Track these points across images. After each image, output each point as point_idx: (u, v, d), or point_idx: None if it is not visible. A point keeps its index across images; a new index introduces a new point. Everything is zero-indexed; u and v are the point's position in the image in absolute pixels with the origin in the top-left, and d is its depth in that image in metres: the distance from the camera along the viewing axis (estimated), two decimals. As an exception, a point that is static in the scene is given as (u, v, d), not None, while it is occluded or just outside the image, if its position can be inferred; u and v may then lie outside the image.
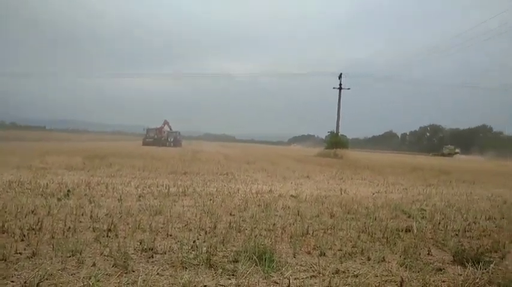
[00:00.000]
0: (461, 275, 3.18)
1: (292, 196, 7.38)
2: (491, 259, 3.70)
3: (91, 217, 4.63)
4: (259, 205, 6.04)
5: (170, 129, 51.23)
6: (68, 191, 6.39)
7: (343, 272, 3.22)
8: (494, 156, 70.86)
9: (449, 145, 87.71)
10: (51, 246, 3.40)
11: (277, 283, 2.90)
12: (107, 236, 3.87)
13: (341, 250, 3.83)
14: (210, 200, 6.38)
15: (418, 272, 3.28)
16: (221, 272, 3.04)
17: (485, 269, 3.33)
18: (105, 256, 3.28)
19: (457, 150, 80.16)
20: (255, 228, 4.51)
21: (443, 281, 3.10)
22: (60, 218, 4.45)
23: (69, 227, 4.04)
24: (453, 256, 3.75)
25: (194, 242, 3.79)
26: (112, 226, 4.13)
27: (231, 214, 5.29)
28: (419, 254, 3.83)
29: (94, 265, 3.03)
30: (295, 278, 3.01)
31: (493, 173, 20.24)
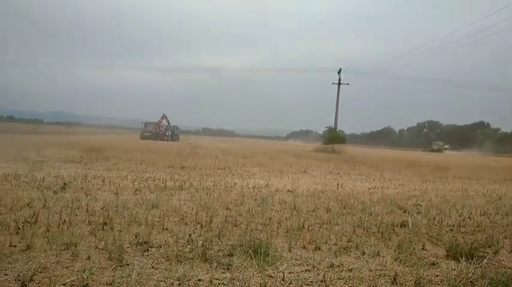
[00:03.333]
0: (454, 269, 3.19)
1: (288, 190, 7.40)
2: (485, 254, 3.72)
3: (87, 210, 4.63)
4: (255, 200, 6.05)
5: (168, 123, 51.15)
6: (65, 184, 6.38)
7: (338, 266, 3.24)
8: (491, 151, 71.42)
9: (439, 141, 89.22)
10: (46, 239, 3.41)
11: (272, 277, 2.91)
12: (103, 229, 3.88)
13: (336, 245, 3.85)
14: (207, 194, 6.39)
15: (412, 266, 3.30)
16: (216, 266, 3.05)
17: (479, 264, 3.35)
18: (100, 249, 3.28)
19: (446, 146, 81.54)
20: (251, 222, 4.52)
21: (437, 276, 3.12)
22: (56, 211, 4.45)
23: (65, 221, 4.05)
24: (447, 251, 3.76)
25: (190, 235, 3.80)
26: (108, 220, 4.13)
27: (227, 208, 5.30)
28: (414, 249, 3.85)
29: (88, 258, 3.03)
30: (289, 272, 3.02)
31: (489, 168, 20.30)
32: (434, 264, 3.43)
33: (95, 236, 3.62)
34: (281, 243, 3.81)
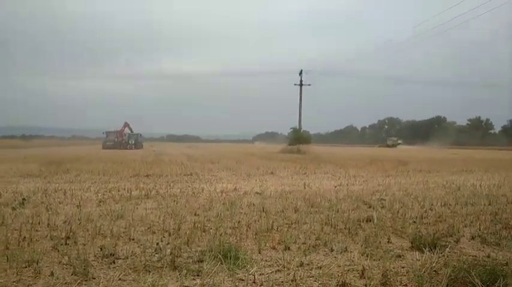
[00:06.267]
0: (419, 260, 3.30)
1: (257, 192, 7.41)
2: (447, 243, 3.88)
3: (48, 225, 4.46)
4: (224, 204, 6.02)
5: (131, 131, 50.06)
6: (23, 199, 6.12)
7: (307, 264, 3.27)
8: (450, 144, 74.80)
9: (395, 137, 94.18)
10: (6, 257, 3.24)
11: (243, 280, 2.90)
12: (66, 244, 3.74)
13: (305, 243, 3.89)
14: (174, 201, 6.30)
15: (379, 260, 3.39)
16: (186, 273, 3.01)
17: (442, 253, 3.49)
18: (63, 264, 3.16)
19: (400, 141, 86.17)
20: (220, 227, 4.49)
21: (403, 267, 3.22)
22: (15, 228, 4.25)
23: (25, 237, 3.87)
24: (411, 243, 3.89)
25: (157, 244, 3.73)
26: (71, 233, 3.99)
27: (195, 214, 5.25)
28: (380, 242, 3.95)
29: (52, 274, 2.92)
30: (260, 274, 3.03)
31: (448, 161, 21.17)
32: (399, 256, 3.53)
33: (58, 251, 3.49)
34: (251, 245, 3.81)
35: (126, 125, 49.88)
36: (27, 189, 7.40)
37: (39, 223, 4.55)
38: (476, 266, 3.01)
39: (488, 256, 3.56)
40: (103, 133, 48.15)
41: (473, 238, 4.21)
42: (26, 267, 3.06)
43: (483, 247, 3.90)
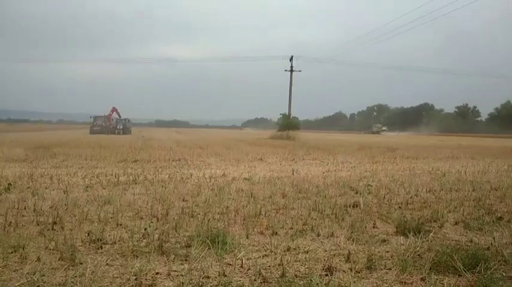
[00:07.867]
0: (403, 245, 3.37)
1: (245, 178, 7.44)
2: (431, 228, 3.96)
3: (34, 210, 4.42)
4: (212, 189, 6.03)
5: (119, 116, 49.52)
6: (9, 184, 6.04)
7: (294, 249, 3.32)
8: (437, 131, 75.86)
9: (379, 123, 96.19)
10: (-9, 243, 3.22)
11: (231, 265, 2.93)
12: (52, 229, 3.72)
13: (292, 228, 3.94)
14: (162, 187, 6.29)
15: (364, 244, 3.45)
16: (173, 258, 3.03)
17: (425, 238, 3.56)
18: (50, 249, 3.15)
19: (384, 128, 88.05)
20: (208, 212, 4.51)
21: (387, 252, 3.28)
22: (1, 213, 4.21)
23: (11, 222, 3.84)
24: (396, 228, 3.96)
25: (145, 229, 3.73)
26: (57, 219, 3.97)
27: (183, 200, 5.25)
28: (366, 227, 4.02)
29: (38, 259, 2.91)
30: (248, 259, 3.06)
31: (434, 148, 21.44)
32: (384, 241, 3.60)
33: (45, 236, 3.47)
34: (239, 231, 3.84)
35: (114, 110, 49.31)
36: (13, 174, 7.30)
37: (25, 208, 4.51)
38: (458, 251, 3.09)
39: (471, 241, 3.64)
40: (90, 117, 47.55)
41: (456, 223, 4.30)
42: (12, 252, 3.04)
43: (466, 232, 3.99)
